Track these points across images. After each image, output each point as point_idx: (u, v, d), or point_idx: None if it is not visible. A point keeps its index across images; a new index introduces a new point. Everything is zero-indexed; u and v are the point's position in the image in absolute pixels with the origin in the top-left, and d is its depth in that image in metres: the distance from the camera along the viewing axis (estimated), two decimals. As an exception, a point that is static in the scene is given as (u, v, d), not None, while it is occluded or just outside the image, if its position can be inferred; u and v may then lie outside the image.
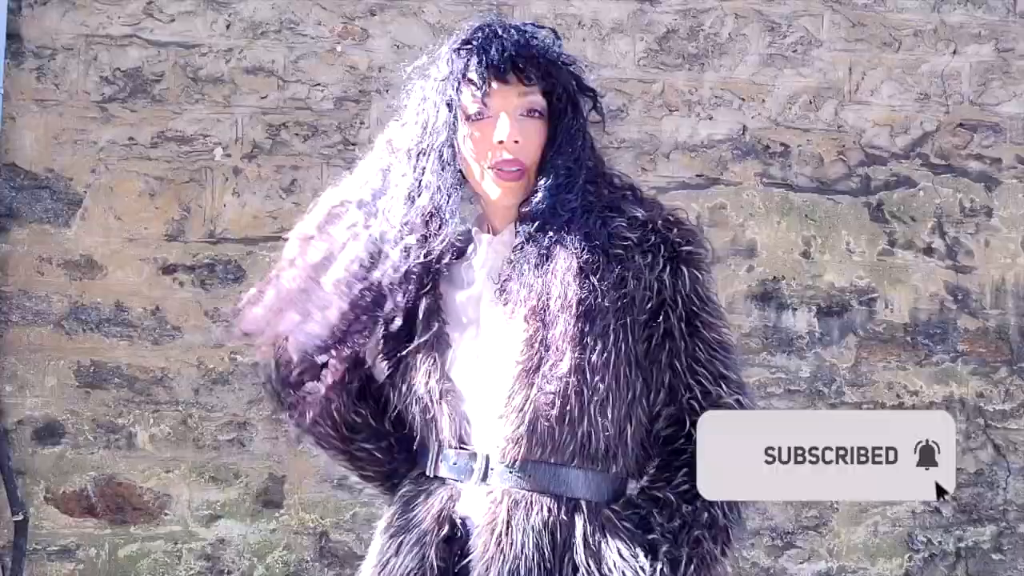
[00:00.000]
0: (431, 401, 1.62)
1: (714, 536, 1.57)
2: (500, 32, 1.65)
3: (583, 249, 1.58)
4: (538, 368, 1.56)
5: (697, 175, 3.46)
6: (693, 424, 1.59)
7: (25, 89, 3.23)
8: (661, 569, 1.53)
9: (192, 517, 3.23)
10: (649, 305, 1.60)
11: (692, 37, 3.49)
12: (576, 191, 1.63)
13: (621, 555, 1.54)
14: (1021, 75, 3.63)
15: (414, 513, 1.63)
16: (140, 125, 3.27)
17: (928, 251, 3.55)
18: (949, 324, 3.54)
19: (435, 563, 1.58)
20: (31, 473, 3.17)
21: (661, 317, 1.60)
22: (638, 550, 1.54)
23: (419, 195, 1.65)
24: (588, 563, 1.53)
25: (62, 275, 3.22)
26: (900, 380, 3.49)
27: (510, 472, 1.57)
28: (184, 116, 3.29)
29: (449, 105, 1.64)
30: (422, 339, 1.64)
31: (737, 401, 1.62)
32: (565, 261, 1.58)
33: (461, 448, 1.61)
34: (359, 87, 3.36)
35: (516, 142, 1.61)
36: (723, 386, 1.61)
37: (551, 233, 1.60)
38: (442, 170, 1.64)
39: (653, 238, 1.63)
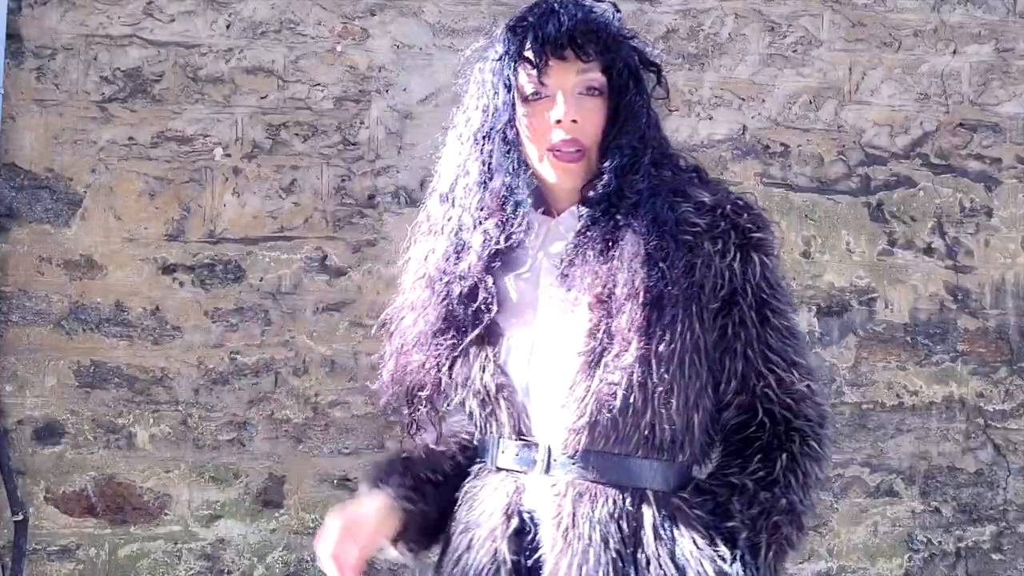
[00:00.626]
0: (488, 393, 1.59)
1: (791, 522, 1.55)
2: (557, 7, 1.57)
3: (651, 234, 1.53)
4: (601, 357, 1.52)
5: (697, 175, 3.46)
6: (767, 412, 1.58)
7: (25, 89, 3.23)
8: (741, 556, 1.52)
9: (192, 517, 3.23)
10: (720, 293, 1.56)
11: (692, 37, 3.49)
12: (643, 173, 1.57)
13: (696, 544, 1.51)
14: (1021, 75, 3.63)
15: (481, 508, 1.60)
16: (140, 125, 3.27)
17: (928, 251, 3.55)
18: (949, 324, 3.54)
19: (508, 557, 1.55)
20: (31, 473, 3.17)
21: (732, 306, 1.57)
22: (716, 538, 1.52)
23: (490, 178, 1.60)
24: (659, 553, 1.51)
25: (62, 275, 3.22)
26: (900, 380, 3.49)
27: (573, 463, 1.53)
28: (184, 116, 3.29)
29: (507, 85, 1.59)
30: (477, 329, 1.59)
31: (808, 387, 1.60)
32: (632, 247, 1.53)
33: (521, 439, 1.57)
34: (359, 87, 3.36)
35: (574, 121, 1.56)
36: (795, 372, 1.59)
37: (618, 217, 1.55)
38: (508, 151, 1.59)
39: (723, 224, 1.59)
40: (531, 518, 1.56)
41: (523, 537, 1.55)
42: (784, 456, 1.57)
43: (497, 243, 1.58)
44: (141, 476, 3.21)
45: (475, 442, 1.70)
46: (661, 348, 1.51)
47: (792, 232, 3.49)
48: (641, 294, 1.51)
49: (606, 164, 1.57)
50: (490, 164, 1.60)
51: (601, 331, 1.52)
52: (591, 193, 1.58)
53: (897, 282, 3.53)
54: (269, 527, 3.25)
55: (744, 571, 1.50)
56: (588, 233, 1.57)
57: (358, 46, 3.37)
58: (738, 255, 1.57)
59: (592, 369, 1.52)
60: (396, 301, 1.71)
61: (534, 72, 1.56)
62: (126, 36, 3.28)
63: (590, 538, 1.50)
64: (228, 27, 3.32)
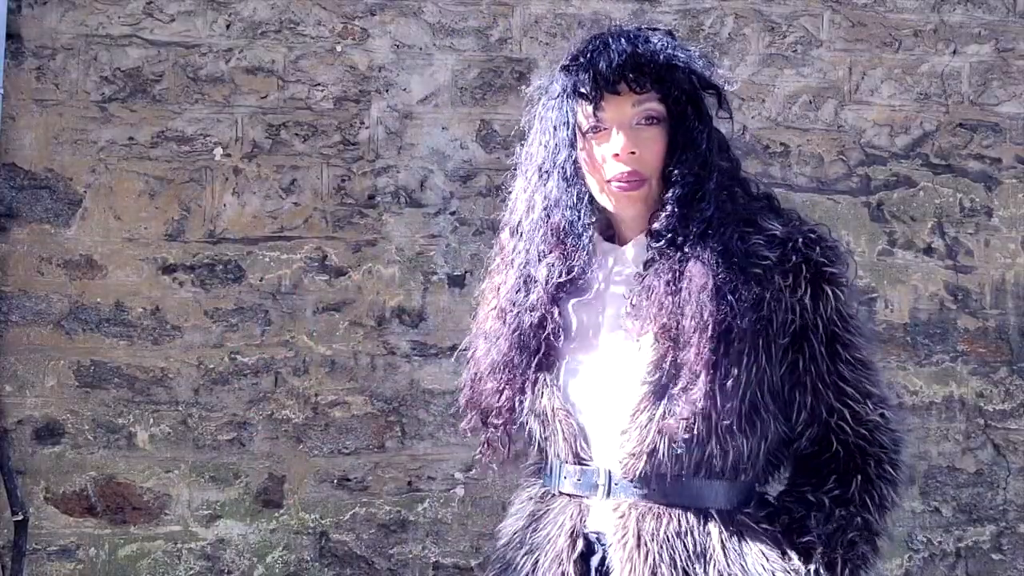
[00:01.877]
0: (547, 415, 1.64)
1: (867, 540, 1.59)
2: (610, 42, 1.61)
3: (720, 267, 1.55)
4: (665, 388, 1.54)
5: (697, 175, 3.46)
6: (841, 442, 1.60)
7: (25, 89, 3.23)
8: (817, 570, 1.54)
9: (192, 517, 3.23)
10: (790, 328, 1.57)
11: (692, 37, 3.49)
12: (708, 199, 1.59)
13: (766, 557, 1.54)
14: (1021, 75, 3.63)
15: (545, 530, 1.63)
16: (140, 125, 3.27)
17: (928, 251, 3.55)
18: (949, 324, 3.54)
19: None
20: (31, 473, 3.17)
21: (803, 340, 1.57)
22: (790, 552, 1.54)
23: (553, 213, 1.64)
24: (730, 568, 1.53)
25: (62, 275, 3.22)
26: (900, 380, 3.49)
27: (634, 486, 1.57)
28: (184, 116, 3.29)
29: (566, 122, 1.63)
30: (538, 355, 1.66)
31: (882, 415, 1.63)
32: (700, 279, 1.54)
33: (580, 464, 1.61)
34: (359, 87, 3.36)
35: (632, 153, 1.59)
36: (869, 403, 1.62)
37: (686, 248, 1.57)
38: (568, 187, 1.63)
39: (794, 258, 1.58)
40: (597, 540, 1.60)
41: (588, 560, 1.59)
42: (859, 477, 1.61)
43: (560, 275, 1.62)
44: (141, 476, 3.21)
45: (538, 465, 1.76)
46: (728, 382, 1.53)
47: (792, 232, 3.49)
48: (709, 327, 1.52)
49: (668, 195, 1.59)
50: (552, 199, 1.65)
51: (667, 362, 1.55)
52: (655, 224, 1.60)
53: (897, 282, 3.53)
54: (269, 527, 3.25)
55: None
56: (656, 263, 1.59)
57: (358, 46, 3.37)
58: (809, 290, 1.58)
59: (656, 399, 1.55)
60: (472, 330, 1.82)
61: (590, 108, 1.60)
62: (126, 36, 3.28)
63: (658, 555, 1.52)
64: (228, 27, 3.32)
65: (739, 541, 1.54)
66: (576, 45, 1.66)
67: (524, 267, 1.67)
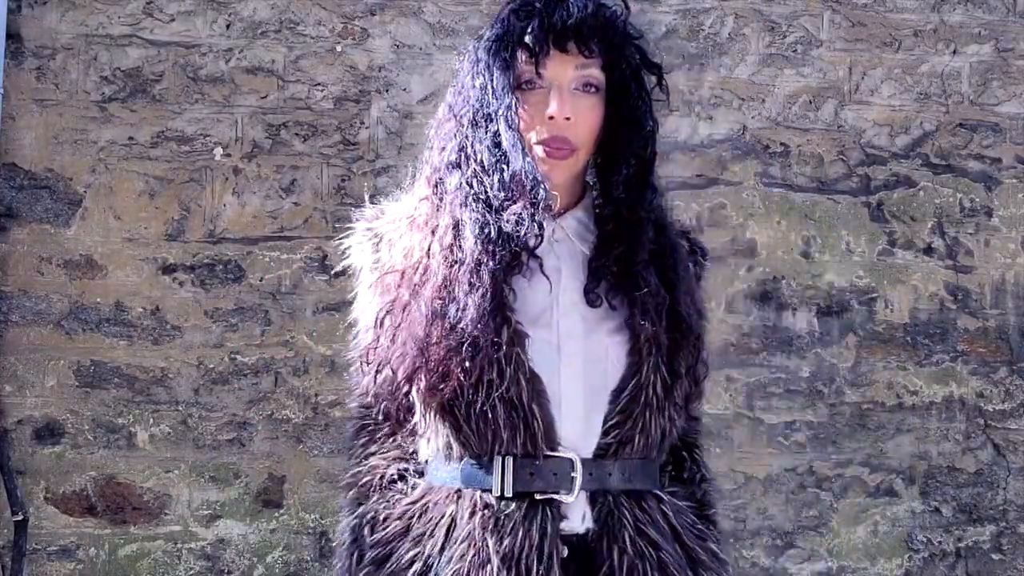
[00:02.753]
0: (518, 404, 1.47)
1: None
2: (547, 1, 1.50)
3: (669, 257, 1.55)
4: (625, 373, 1.51)
5: (697, 175, 3.46)
6: (695, 420, 1.69)
7: (25, 89, 3.23)
8: (718, 538, 1.63)
9: (192, 517, 3.23)
10: (699, 311, 1.62)
11: (692, 37, 3.49)
12: (651, 183, 1.55)
13: (701, 531, 1.60)
14: (1021, 75, 3.63)
15: (516, 536, 1.46)
16: (140, 125, 3.27)
17: (928, 251, 3.55)
18: (949, 324, 3.54)
19: None
20: (31, 473, 3.17)
21: (697, 326, 1.61)
22: (707, 525, 1.62)
23: (505, 161, 1.48)
24: (691, 542, 1.55)
25: (62, 275, 3.22)
26: (900, 380, 3.49)
27: (607, 474, 1.50)
28: (184, 116, 3.29)
29: (505, 67, 1.51)
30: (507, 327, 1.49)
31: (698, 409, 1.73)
32: (653, 268, 1.53)
33: (546, 457, 1.47)
34: (359, 87, 3.36)
35: (567, 119, 1.49)
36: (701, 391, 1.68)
37: (635, 235, 1.52)
38: (515, 134, 1.48)
39: (687, 245, 1.65)
40: (578, 540, 1.50)
41: (573, 558, 1.49)
42: (697, 451, 1.70)
43: (528, 231, 1.46)
44: (141, 476, 3.21)
45: (433, 461, 1.55)
46: (682, 363, 1.54)
47: (792, 232, 3.49)
48: (664, 315, 1.52)
49: (615, 176, 1.53)
50: (507, 145, 1.48)
51: (627, 349, 1.51)
52: (605, 208, 1.54)
53: (897, 282, 3.53)
54: (269, 527, 3.25)
55: (724, 551, 1.61)
56: (609, 250, 1.53)
57: (358, 46, 3.37)
58: (699, 277, 1.67)
59: (627, 380, 1.51)
60: (388, 260, 1.58)
61: (532, 61, 1.50)
62: (126, 36, 3.28)
63: (650, 545, 1.49)
64: (228, 27, 3.32)
65: (683, 517, 1.57)
66: None
67: (486, 215, 1.48)
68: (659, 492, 1.55)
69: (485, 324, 1.45)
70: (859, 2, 3.57)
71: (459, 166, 1.53)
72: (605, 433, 1.50)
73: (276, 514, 3.25)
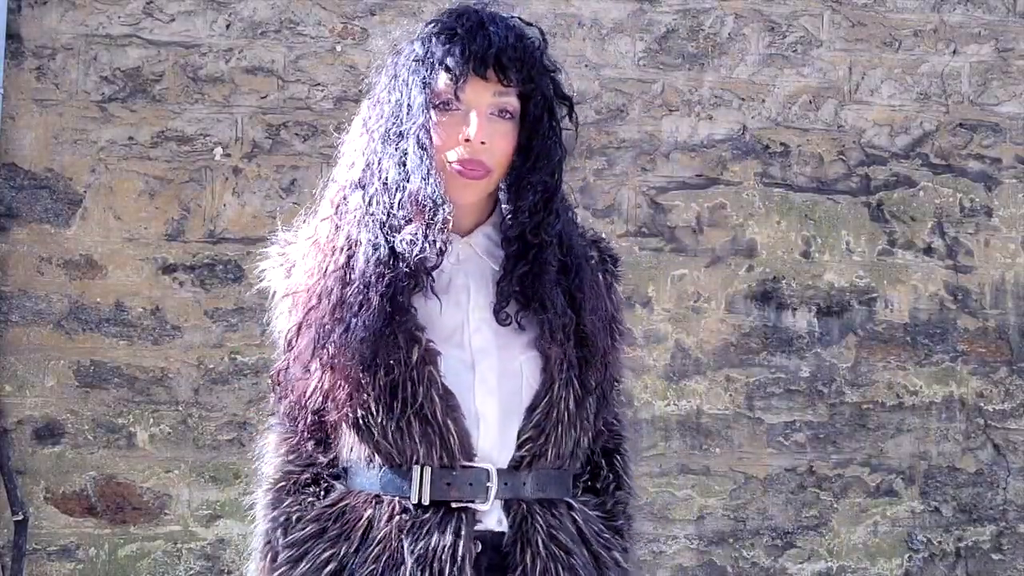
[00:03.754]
0: (435, 416, 1.52)
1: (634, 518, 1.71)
2: (487, 23, 1.55)
3: (573, 273, 1.60)
4: (547, 387, 1.56)
5: (697, 175, 3.46)
6: (607, 428, 1.71)
7: (25, 89, 3.23)
8: (629, 547, 1.67)
9: (192, 517, 3.23)
10: (608, 323, 1.65)
11: (692, 37, 3.49)
12: (555, 211, 1.59)
13: (609, 539, 1.64)
14: (1021, 75, 3.63)
15: (430, 538, 1.51)
16: (140, 125, 3.27)
17: (928, 251, 3.55)
18: (949, 324, 3.54)
19: None
20: (31, 473, 3.17)
21: (610, 337, 1.64)
22: (613, 534, 1.65)
23: (407, 180, 1.53)
24: (599, 550, 1.60)
25: (62, 275, 3.22)
26: (900, 380, 3.49)
27: (521, 483, 1.55)
28: (184, 116, 3.29)
29: (424, 86, 1.55)
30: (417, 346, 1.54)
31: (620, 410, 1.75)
32: (558, 285, 1.58)
33: (465, 466, 1.52)
34: (359, 87, 3.36)
35: (483, 143, 1.53)
36: (614, 393, 1.72)
37: (543, 255, 1.57)
38: (424, 154, 1.52)
39: (597, 255, 1.68)
40: (489, 544, 1.54)
41: (480, 564, 1.53)
42: (618, 458, 1.71)
43: (424, 251, 1.51)
44: (141, 476, 3.21)
45: (350, 470, 1.60)
46: (591, 379, 1.60)
47: (792, 232, 3.49)
48: (571, 330, 1.58)
49: (522, 202, 1.58)
50: (406, 165, 1.54)
51: (544, 363, 1.56)
52: (511, 230, 1.58)
53: (897, 282, 3.53)
54: (269, 527, 3.25)
55: (627, 559, 1.65)
56: (515, 269, 1.58)
57: (358, 46, 3.37)
58: (612, 286, 1.69)
59: (541, 397, 1.56)
60: (295, 282, 1.66)
61: (452, 84, 1.54)
62: (126, 36, 3.28)
63: (557, 549, 1.55)
64: (228, 27, 3.32)
65: (592, 525, 1.62)
66: (447, 14, 1.61)
67: (380, 235, 1.54)
68: (571, 500, 1.61)
69: (385, 343, 1.50)
70: (859, 2, 3.57)
71: (363, 186, 1.59)
72: (519, 446, 1.55)
73: (276, 514, 3.25)
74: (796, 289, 3.48)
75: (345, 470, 1.60)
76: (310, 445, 1.64)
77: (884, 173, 3.55)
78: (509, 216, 1.60)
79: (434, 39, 1.59)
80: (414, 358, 1.51)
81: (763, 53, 3.53)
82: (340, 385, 1.54)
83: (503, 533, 1.55)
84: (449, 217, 1.52)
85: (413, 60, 1.59)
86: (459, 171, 1.55)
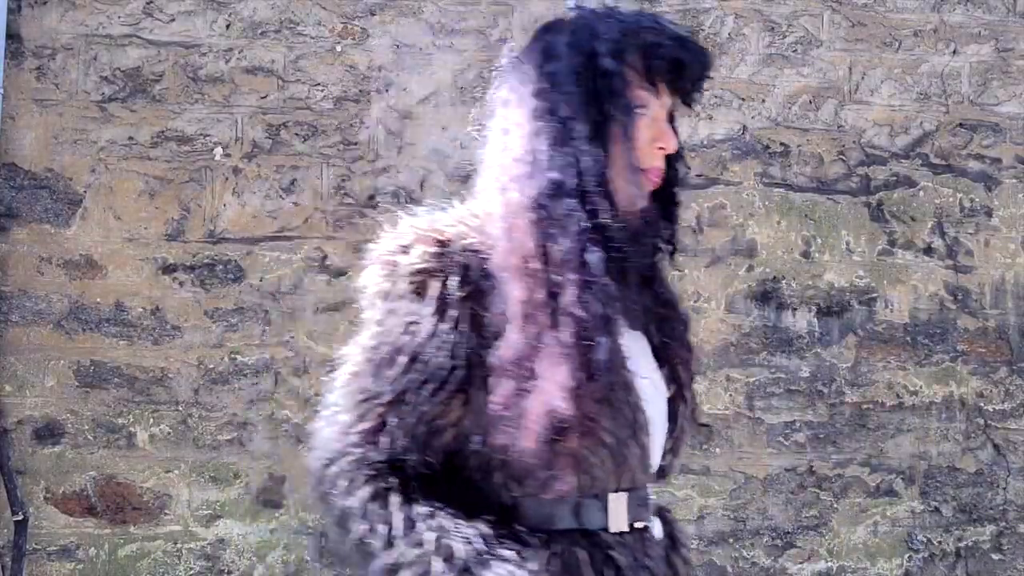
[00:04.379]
0: (626, 437, 1.46)
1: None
2: (692, 47, 1.49)
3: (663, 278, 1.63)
4: (675, 405, 1.61)
5: (697, 175, 3.46)
6: None
7: (25, 89, 3.23)
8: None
9: (192, 517, 3.23)
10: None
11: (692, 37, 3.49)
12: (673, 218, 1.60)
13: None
14: (1021, 75, 3.63)
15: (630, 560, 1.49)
16: (140, 125, 3.27)
17: (928, 251, 3.55)
18: (949, 324, 3.54)
19: None
20: (31, 473, 3.17)
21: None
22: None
23: (615, 181, 1.44)
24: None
25: (62, 275, 3.22)
26: (900, 380, 3.49)
27: (652, 499, 1.61)
28: (184, 116, 3.29)
29: (626, 84, 1.46)
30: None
31: None
32: (671, 295, 1.64)
33: (633, 489, 1.51)
34: (359, 87, 3.36)
35: (662, 148, 1.50)
36: None
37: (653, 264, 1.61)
38: (622, 155, 1.46)
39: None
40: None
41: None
42: None
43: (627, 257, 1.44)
44: (141, 476, 3.21)
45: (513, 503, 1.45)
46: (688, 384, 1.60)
47: (792, 232, 3.49)
48: (690, 350, 1.60)
49: (675, 210, 1.57)
50: (602, 166, 1.43)
51: (671, 375, 1.56)
52: (671, 243, 1.58)
53: (897, 282, 3.53)
54: (269, 527, 3.25)
55: None
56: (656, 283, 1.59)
57: (358, 46, 3.37)
58: None
59: (676, 412, 1.56)
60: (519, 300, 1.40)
61: (650, 90, 1.47)
62: (126, 36, 3.28)
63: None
64: (228, 27, 3.32)
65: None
66: (654, 25, 1.50)
67: (585, 243, 1.41)
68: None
69: (616, 365, 1.42)
70: (859, 2, 3.57)
71: (564, 188, 1.43)
72: (663, 463, 1.58)
73: (276, 514, 3.25)
74: (796, 289, 3.48)
75: (512, 507, 1.44)
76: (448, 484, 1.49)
77: (884, 173, 3.55)
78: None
79: (647, 50, 1.48)
80: (624, 379, 1.44)
81: (763, 53, 3.53)
82: (584, 411, 1.39)
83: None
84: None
85: (611, 55, 1.46)
86: (646, 177, 1.49)
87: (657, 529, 1.56)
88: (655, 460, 1.52)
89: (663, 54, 1.46)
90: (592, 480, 1.42)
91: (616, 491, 1.45)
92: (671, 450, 1.56)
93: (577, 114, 1.44)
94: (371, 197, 3.34)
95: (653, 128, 1.48)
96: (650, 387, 1.49)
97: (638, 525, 1.48)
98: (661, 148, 1.48)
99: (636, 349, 1.50)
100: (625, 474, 1.44)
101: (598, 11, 1.53)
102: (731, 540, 3.40)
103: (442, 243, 1.45)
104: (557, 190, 1.41)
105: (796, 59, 3.54)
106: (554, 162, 1.42)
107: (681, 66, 1.47)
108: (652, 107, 1.48)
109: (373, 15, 3.37)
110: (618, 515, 1.45)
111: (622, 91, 1.45)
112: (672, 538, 1.59)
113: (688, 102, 1.52)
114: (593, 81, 1.45)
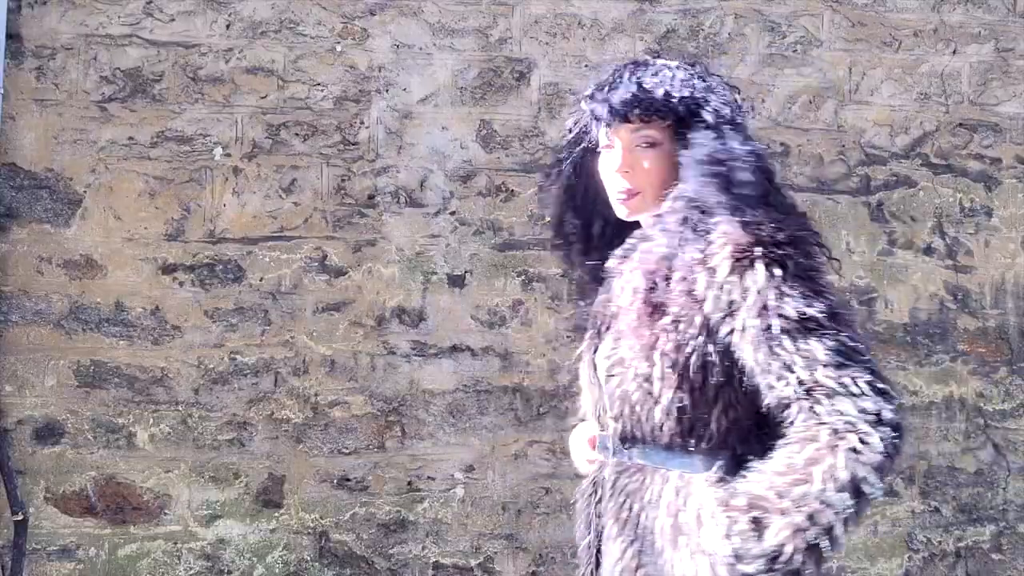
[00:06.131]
0: (587, 385, 1.97)
1: (807, 511, 1.60)
2: (628, 77, 1.88)
3: (662, 258, 1.80)
4: (618, 368, 1.82)
5: (697, 175, 3.46)
6: (798, 410, 1.67)
7: (25, 89, 3.23)
8: (743, 531, 1.62)
9: (192, 517, 3.23)
10: (724, 308, 1.70)
11: (692, 37, 3.49)
12: (678, 214, 1.81)
13: (700, 514, 1.72)
14: (1021, 75, 3.63)
15: (586, 482, 1.99)
16: (140, 125, 3.27)
17: (928, 251, 3.55)
18: (949, 324, 3.54)
19: (593, 519, 1.94)
20: (31, 473, 3.17)
21: (736, 316, 1.69)
22: (733, 514, 1.64)
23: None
24: (666, 520, 1.77)
25: (62, 275, 3.22)
26: (900, 380, 3.49)
27: (624, 449, 1.85)
28: (184, 116, 3.29)
29: (588, 137, 1.97)
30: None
31: (841, 384, 1.69)
32: (640, 296, 1.81)
33: (603, 429, 1.91)
34: (359, 87, 3.36)
35: (626, 172, 1.87)
36: (819, 371, 1.67)
37: (645, 247, 1.85)
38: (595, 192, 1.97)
39: (721, 240, 1.73)
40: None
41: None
42: (810, 448, 1.63)
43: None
44: (141, 476, 3.21)
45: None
46: (680, 360, 1.74)
47: (792, 232, 3.49)
48: (659, 312, 1.76)
49: (655, 216, 1.88)
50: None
51: (623, 345, 1.82)
52: (639, 231, 1.92)
53: (897, 282, 3.53)
54: (269, 527, 3.25)
55: (742, 544, 1.61)
56: (628, 258, 1.90)
57: (358, 46, 3.37)
58: (736, 270, 1.70)
59: (617, 375, 1.83)
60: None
61: (606, 130, 1.90)
62: (126, 36, 3.28)
63: (620, 504, 1.85)
64: (228, 27, 3.32)
65: (685, 497, 1.74)
66: (609, 72, 1.94)
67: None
68: (682, 474, 1.89)
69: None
70: (859, 2, 3.57)
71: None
72: (612, 414, 1.93)
73: (276, 514, 3.25)
74: (796, 289, 3.47)
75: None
76: None
77: (884, 173, 3.55)
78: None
79: (589, 99, 1.93)
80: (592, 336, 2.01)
81: (763, 53, 3.53)
82: None
83: None
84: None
85: (585, 117, 1.97)
86: (616, 198, 1.90)
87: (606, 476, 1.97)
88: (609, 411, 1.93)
89: (596, 100, 1.91)
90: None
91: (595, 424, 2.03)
92: (615, 405, 1.89)
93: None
94: (371, 197, 3.34)
95: (614, 157, 1.90)
96: (609, 347, 1.92)
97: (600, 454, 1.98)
98: (616, 170, 1.89)
99: None
100: (590, 412, 2.03)
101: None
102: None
103: None
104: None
105: (796, 59, 3.54)
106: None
107: (610, 102, 1.87)
108: (615, 140, 1.89)
109: (373, 15, 3.37)
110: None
111: (590, 141, 1.97)
112: None
113: (642, 120, 1.87)
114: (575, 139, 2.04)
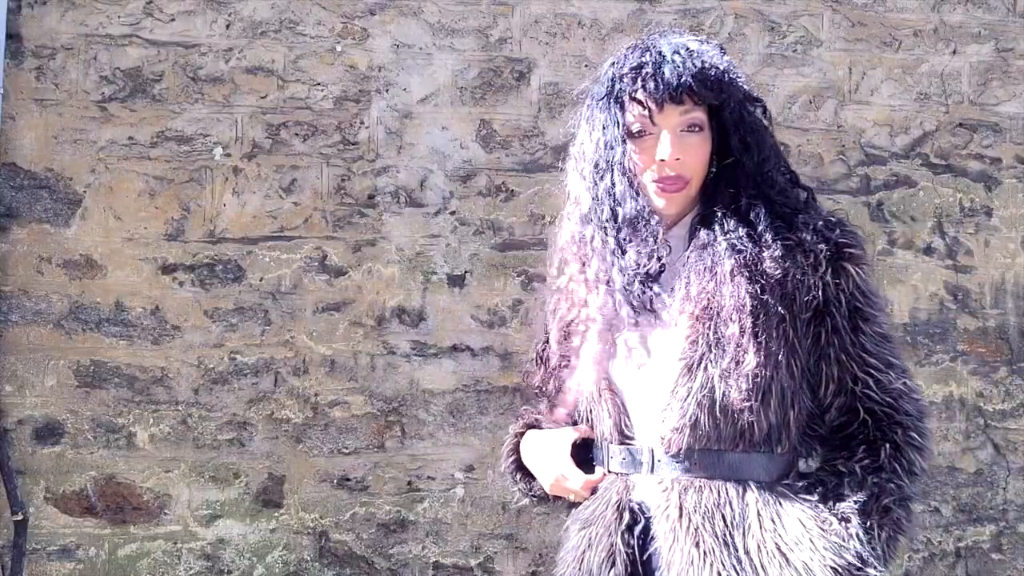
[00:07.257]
0: (593, 397, 1.79)
1: (900, 505, 1.64)
2: (670, 55, 1.73)
3: (747, 251, 1.72)
4: (700, 363, 1.69)
5: (697, 175, 3.46)
6: (868, 411, 1.68)
7: (25, 89, 3.22)
8: (856, 534, 1.61)
9: (192, 517, 3.23)
10: (813, 303, 1.69)
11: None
12: (744, 203, 1.74)
13: (803, 525, 1.62)
14: (1021, 75, 3.63)
15: (595, 507, 1.78)
16: (140, 125, 3.27)
17: (928, 251, 3.55)
18: (949, 324, 3.54)
19: (622, 549, 1.71)
20: (31, 473, 3.17)
21: (825, 315, 1.68)
22: (830, 518, 1.62)
23: (622, 204, 1.75)
24: (766, 536, 1.63)
25: (62, 275, 3.22)
26: (900, 380, 3.49)
27: (676, 461, 1.69)
28: (184, 116, 3.29)
29: (617, 123, 1.76)
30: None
31: (904, 384, 1.72)
32: (730, 263, 1.71)
33: (624, 443, 1.75)
34: (359, 87, 3.36)
35: (677, 159, 1.74)
36: (892, 373, 1.70)
37: (721, 240, 1.73)
38: (629, 180, 1.76)
39: (812, 238, 1.72)
40: (641, 511, 1.73)
41: (635, 529, 1.72)
42: (888, 446, 1.67)
43: (646, 265, 1.74)
44: (141, 476, 3.21)
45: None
46: (758, 355, 1.66)
47: (792, 232, 3.49)
48: (746, 307, 1.67)
49: (716, 208, 1.77)
50: (614, 193, 1.76)
51: (702, 339, 1.69)
52: (701, 234, 1.77)
53: (897, 282, 3.53)
54: (269, 527, 3.25)
55: (863, 549, 1.60)
56: (692, 255, 1.76)
57: (358, 46, 3.37)
58: (830, 268, 1.70)
59: (692, 374, 1.69)
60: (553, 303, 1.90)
61: (645, 113, 1.74)
62: (126, 36, 3.28)
63: (700, 526, 1.65)
64: (228, 27, 3.32)
65: (776, 511, 1.64)
66: (629, 52, 1.79)
67: (609, 254, 1.78)
68: (758, 482, 1.81)
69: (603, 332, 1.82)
70: (859, 2, 3.57)
71: (590, 213, 1.81)
72: (676, 425, 1.80)
73: (276, 514, 3.25)
74: (796, 289, 3.48)
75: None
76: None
77: (884, 173, 3.55)
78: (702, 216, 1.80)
79: (621, 79, 1.77)
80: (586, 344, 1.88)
81: (763, 53, 3.53)
82: None
83: None
84: (658, 228, 1.76)
85: (599, 99, 1.79)
86: (660, 188, 1.76)
87: (647, 496, 1.79)
88: (642, 418, 1.78)
89: (640, 77, 1.75)
90: (594, 427, 1.94)
91: (611, 442, 1.86)
92: (682, 417, 1.74)
93: (588, 152, 1.90)
94: (371, 197, 3.34)
95: (657, 144, 1.75)
96: (631, 350, 1.82)
97: (625, 471, 1.82)
98: (662, 160, 1.75)
99: None
100: (606, 427, 1.88)
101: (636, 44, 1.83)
102: (731, 540, 3.39)
103: None
104: (582, 223, 1.96)
105: (796, 59, 3.54)
106: (579, 202, 1.95)
107: (662, 80, 1.72)
108: (655, 126, 1.74)
109: (373, 15, 3.37)
110: (608, 461, 1.89)
111: (619, 122, 1.78)
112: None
113: (695, 102, 1.74)
114: (602, 121, 1.85)
